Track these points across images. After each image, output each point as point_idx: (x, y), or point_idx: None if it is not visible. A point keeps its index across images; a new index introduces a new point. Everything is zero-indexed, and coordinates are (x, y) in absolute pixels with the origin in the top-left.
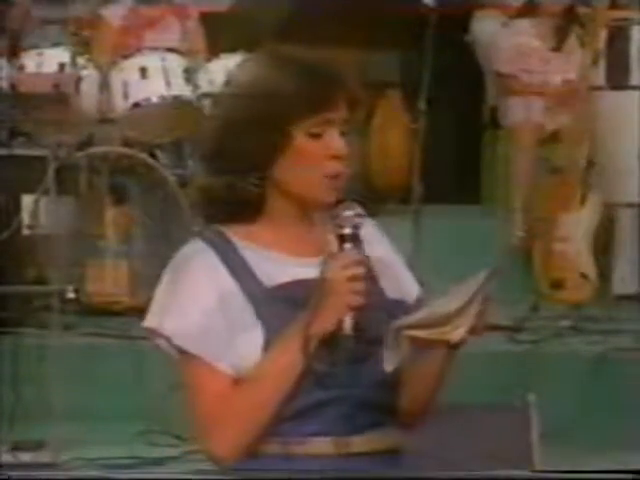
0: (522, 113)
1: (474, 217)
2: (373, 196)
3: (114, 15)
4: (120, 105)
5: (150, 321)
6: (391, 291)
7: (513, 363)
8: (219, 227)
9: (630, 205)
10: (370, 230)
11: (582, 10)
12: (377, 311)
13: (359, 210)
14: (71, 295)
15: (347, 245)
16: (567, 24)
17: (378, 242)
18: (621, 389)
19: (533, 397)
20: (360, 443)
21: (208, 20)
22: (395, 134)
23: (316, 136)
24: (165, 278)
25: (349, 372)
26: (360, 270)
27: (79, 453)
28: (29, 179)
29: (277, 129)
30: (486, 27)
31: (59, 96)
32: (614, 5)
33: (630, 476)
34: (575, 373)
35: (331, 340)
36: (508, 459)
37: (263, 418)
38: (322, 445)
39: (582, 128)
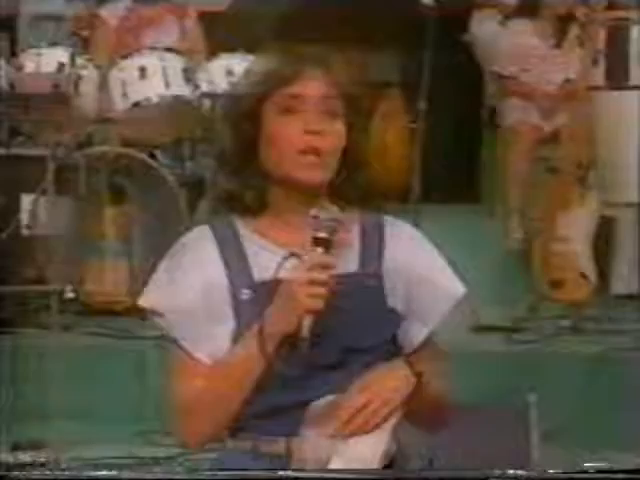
0: (521, 113)
1: (473, 217)
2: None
3: (113, 15)
4: (119, 105)
5: (143, 299)
6: (402, 304)
7: (512, 363)
8: (232, 217)
9: (629, 205)
10: (406, 237)
11: (581, 10)
12: (366, 320)
13: (336, 214)
14: (70, 295)
15: (319, 249)
16: (566, 24)
17: (409, 251)
18: (620, 389)
19: (533, 397)
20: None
21: (207, 20)
22: (394, 134)
23: (286, 112)
24: (164, 258)
25: (323, 377)
26: (323, 275)
27: (79, 453)
28: (28, 179)
29: (250, 112)
30: (485, 27)
31: (58, 96)
32: (613, 5)
33: (629, 476)
34: (574, 373)
35: (289, 342)
36: (508, 459)
37: (226, 410)
38: (292, 446)
39: (581, 128)
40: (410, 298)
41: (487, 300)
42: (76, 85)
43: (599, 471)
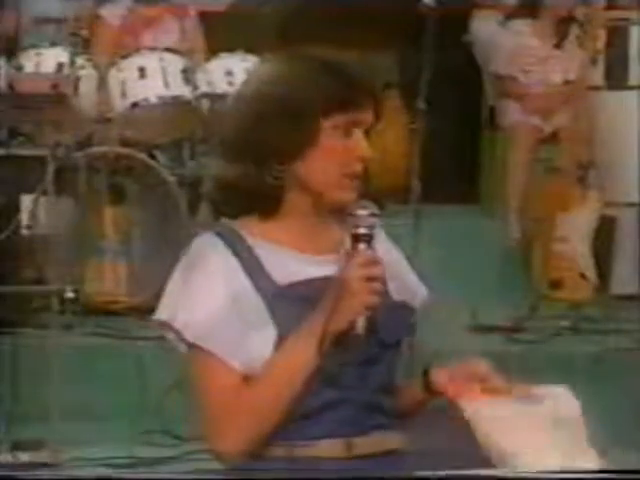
0: (520, 114)
1: (473, 217)
2: (371, 196)
3: (113, 15)
4: (118, 105)
5: (161, 313)
6: (396, 293)
7: (512, 363)
8: (229, 222)
9: (629, 205)
10: (380, 239)
11: (581, 10)
12: (386, 313)
13: (374, 210)
14: (70, 295)
15: (361, 245)
16: (566, 24)
17: (382, 243)
18: (620, 389)
19: None
20: (364, 445)
21: (207, 20)
22: (394, 134)
23: (345, 135)
24: (178, 271)
25: (358, 373)
26: (376, 270)
27: (78, 453)
28: (28, 179)
29: (309, 121)
30: (485, 28)
31: (57, 96)
32: (613, 5)
33: (629, 476)
34: (574, 373)
35: (343, 340)
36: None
37: (272, 417)
38: (327, 448)
39: (581, 128)
40: (398, 281)
41: (487, 300)
42: (76, 85)
43: (599, 471)
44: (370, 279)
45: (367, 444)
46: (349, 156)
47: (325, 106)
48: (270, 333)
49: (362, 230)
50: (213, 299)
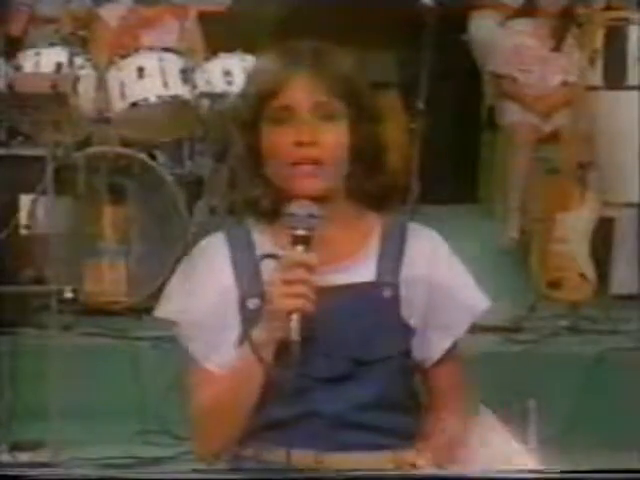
0: (519, 114)
1: (472, 217)
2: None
3: (112, 15)
4: (118, 105)
5: (159, 310)
6: (420, 315)
7: (511, 363)
8: (248, 222)
9: (628, 205)
10: (429, 245)
11: (579, 10)
12: (362, 330)
13: (314, 210)
14: (69, 295)
15: (298, 247)
16: (565, 25)
17: (430, 260)
18: (619, 389)
19: (533, 403)
20: (339, 462)
21: (206, 20)
22: (392, 134)
23: (278, 123)
24: (180, 268)
25: (328, 389)
26: (303, 273)
27: (78, 453)
28: (27, 179)
29: (248, 124)
30: (484, 27)
31: (57, 96)
32: (611, 5)
33: (629, 476)
34: (573, 373)
35: (283, 347)
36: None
37: (234, 421)
38: (297, 459)
39: (580, 128)
40: (429, 309)
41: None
42: (75, 85)
43: (598, 471)
44: (291, 282)
45: (343, 461)
46: (287, 143)
47: (251, 103)
48: (235, 337)
49: (299, 231)
50: (197, 299)
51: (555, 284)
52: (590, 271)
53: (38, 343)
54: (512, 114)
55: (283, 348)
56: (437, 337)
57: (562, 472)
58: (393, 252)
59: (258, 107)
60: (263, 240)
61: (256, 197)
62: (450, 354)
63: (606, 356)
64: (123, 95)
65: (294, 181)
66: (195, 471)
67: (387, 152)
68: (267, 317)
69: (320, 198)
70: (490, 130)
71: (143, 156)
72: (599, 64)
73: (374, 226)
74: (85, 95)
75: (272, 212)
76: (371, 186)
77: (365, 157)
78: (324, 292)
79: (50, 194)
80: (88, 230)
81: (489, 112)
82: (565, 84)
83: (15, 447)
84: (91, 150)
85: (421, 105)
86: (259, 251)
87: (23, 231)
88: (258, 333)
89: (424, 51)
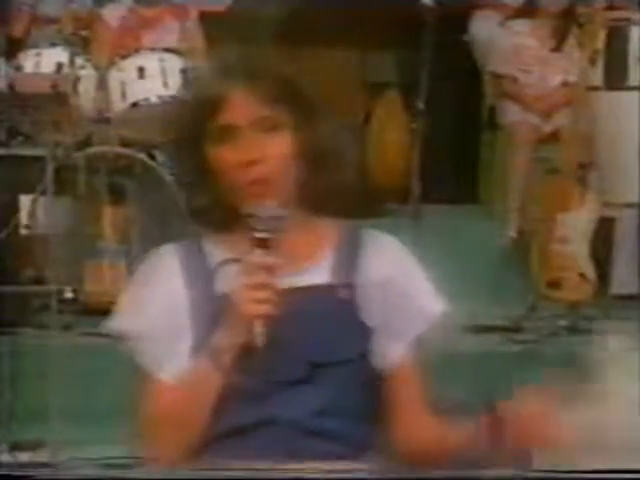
0: (520, 113)
1: (472, 217)
2: (372, 196)
3: (113, 15)
4: (118, 105)
5: (112, 323)
6: (378, 319)
7: (511, 363)
8: (201, 232)
9: (628, 205)
10: (386, 250)
11: (580, 10)
12: (334, 334)
13: (276, 212)
14: (69, 295)
15: (260, 250)
16: (566, 25)
17: (388, 265)
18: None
19: None
20: (302, 470)
21: (207, 20)
22: (394, 134)
23: (222, 143)
24: (132, 281)
25: (288, 395)
26: (265, 277)
27: (78, 453)
28: (27, 179)
29: (190, 142)
30: (484, 27)
31: (57, 96)
32: (613, 5)
33: (631, 476)
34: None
35: (246, 353)
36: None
37: (191, 431)
38: (258, 466)
39: (580, 128)
40: (387, 313)
41: (486, 300)
42: (75, 85)
43: (599, 471)
44: (254, 287)
45: (305, 470)
46: (235, 164)
47: (191, 126)
48: (188, 344)
49: (260, 234)
50: (148, 312)
51: (555, 284)
52: (590, 271)
53: (38, 343)
54: (512, 114)
55: (243, 354)
56: (393, 341)
57: (562, 472)
58: (349, 255)
59: (199, 127)
60: (216, 249)
61: (206, 208)
62: (408, 359)
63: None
64: (124, 95)
65: (245, 199)
66: (196, 471)
67: (335, 154)
68: (230, 323)
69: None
70: (490, 130)
71: (143, 156)
72: (600, 64)
73: (330, 230)
74: (85, 95)
75: (223, 222)
76: (321, 190)
77: (312, 162)
78: (282, 295)
79: (50, 194)
80: (88, 230)
81: (489, 112)
82: (565, 84)
83: (15, 447)
84: (91, 150)
85: (421, 105)
86: (210, 257)
87: (23, 231)
88: (218, 340)
89: (424, 51)
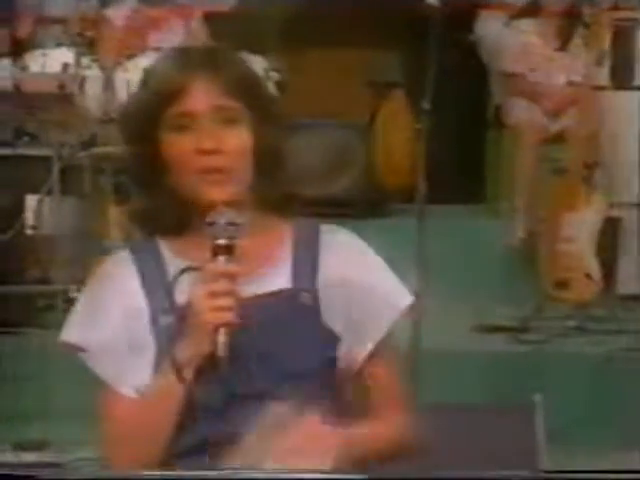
0: (526, 113)
1: (478, 217)
2: (377, 196)
3: (118, 15)
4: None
5: (64, 334)
6: (341, 321)
7: (518, 363)
8: (154, 238)
9: (635, 205)
10: (343, 247)
11: (586, 10)
12: (299, 342)
13: (235, 218)
14: (75, 295)
15: (220, 257)
16: (571, 24)
17: (346, 262)
18: (626, 389)
19: (539, 397)
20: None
21: (211, 20)
22: (399, 134)
23: (179, 131)
24: (85, 289)
25: (251, 408)
26: (227, 284)
27: (81, 453)
28: (33, 179)
29: (143, 133)
30: (490, 27)
31: (63, 96)
32: (619, 6)
33: (633, 476)
34: (580, 373)
35: (207, 364)
36: (513, 459)
37: (153, 445)
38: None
39: (586, 128)
40: (350, 313)
41: (492, 300)
42: (81, 85)
43: (605, 471)
44: (218, 294)
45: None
46: (192, 151)
47: (147, 112)
48: (150, 356)
49: (219, 241)
50: (105, 322)
51: (562, 284)
52: (597, 271)
53: (43, 343)
54: (519, 113)
55: (206, 364)
56: (359, 341)
57: (568, 472)
58: (308, 257)
59: (155, 115)
60: (172, 253)
61: (160, 208)
62: (378, 356)
63: (612, 356)
64: (129, 95)
65: (200, 190)
66: (196, 471)
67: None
68: (192, 333)
69: (228, 206)
70: (497, 129)
71: None
72: (606, 64)
73: (286, 232)
74: (91, 95)
75: (179, 224)
76: (276, 192)
77: (268, 161)
78: (244, 302)
79: (56, 194)
80: (94, 230)
81: (495, 112)
82: (571, 84)
83: (19, 447)
84: (97, 150)
85: (427, 105)
86: (169, 265)
87: (29, 231)
88: (180, 351)
89: (430, 51)
